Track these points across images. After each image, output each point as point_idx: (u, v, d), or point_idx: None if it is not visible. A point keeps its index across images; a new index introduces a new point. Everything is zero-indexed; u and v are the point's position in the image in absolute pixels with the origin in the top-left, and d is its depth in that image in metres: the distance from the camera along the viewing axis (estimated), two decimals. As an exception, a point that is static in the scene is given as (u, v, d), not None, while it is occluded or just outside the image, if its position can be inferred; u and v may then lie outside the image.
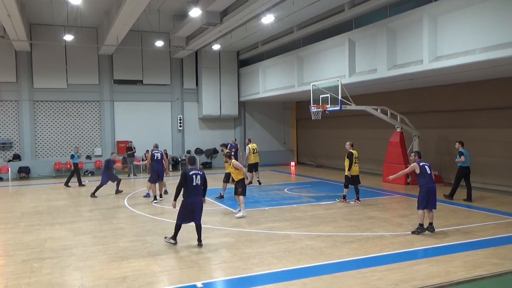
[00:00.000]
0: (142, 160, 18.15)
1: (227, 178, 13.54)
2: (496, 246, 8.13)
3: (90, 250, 8.26)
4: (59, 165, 21.97)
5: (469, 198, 12.86)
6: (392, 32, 14.35)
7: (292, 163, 26.21)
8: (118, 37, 18.97)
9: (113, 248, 8.36)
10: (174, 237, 8.48)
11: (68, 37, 19.59)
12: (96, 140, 23.25)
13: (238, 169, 11.22)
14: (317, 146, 25.84)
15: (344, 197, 13.05)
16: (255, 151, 17.09)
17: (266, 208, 12.32)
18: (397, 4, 14.67)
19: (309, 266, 7.15)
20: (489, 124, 15.43)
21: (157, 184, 13.82)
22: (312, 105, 16.24)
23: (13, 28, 16.66)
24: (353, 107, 15.66)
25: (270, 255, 7.72)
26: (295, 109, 27.95)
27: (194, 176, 8.34)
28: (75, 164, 17.66)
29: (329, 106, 15.55)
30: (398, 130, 16.96)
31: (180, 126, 24.69)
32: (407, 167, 9.83)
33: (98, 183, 14.95)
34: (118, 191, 15.26)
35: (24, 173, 21.38)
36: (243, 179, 11.28)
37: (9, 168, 20.85)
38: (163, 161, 14.01)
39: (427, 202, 9.02)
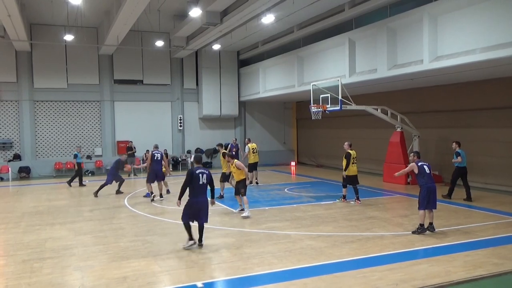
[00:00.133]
0: (143, 160, 18.18)
1: (224, 177, 13.69)
2: (496, 246, 8.13)
3: (90, 250, 8.27)
4: (60, 165, 21.99)
5: (468, 197, 12.87)
6: (392, 32, 14.35)
7: (292, 163, 26.24)
8: (118, 37, 18.98)
9: (114, 248, 8.37)
10: (190, 237, 8.21)
11: (68, 37, 19.61)
12: (97, 140, 23.26)
13: (240, 169, 11.20)
14: (317, 146, 25.84)
15: (344, 197, 13.07)
16: (255, 150, 17.10)
17: (267, 208, 12.32)
18: (397, 4, 14.68)
19: (310, 266, 7.15)
20: (489, 124, 15.43)
21: (157, 184, 13.84)
22: (312, 105, 16.25)
23: (13, 28, 16.67)
24: (353, 107, 15.66)
25: (270, 255, 7.72)
26: (295, 109, 27.96)
27: (200, 175, 8.20)
28: (79, 164, 17.69)
29: (329, 106, 15.55)
30: (398, 130, 16.96)
31: (180, 126, 24.70)
32: (407, 167, 9.85)
33: (98, 183, 14.95)
34: (118, 192, 15.27)
35: (25, 173, 21.39)
36: (244, 180, 11.26)
37: (10, 168, 20.86)
38: (163, 161, 14.10)
39: (427, 202, 9.01)
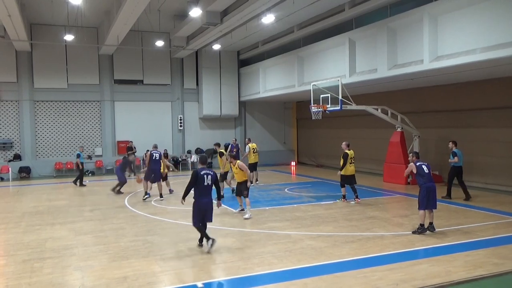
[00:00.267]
0: (143, 160, 18.18)
1: (223, 177, 13.74)
2: (497, 246, 8.13)
3: (91, 250, 8.28)
4: (60, 165, 21.99)
5: (467, 196, 12.88)
6: (393, 32, 14.35)
7: (293, 163, 26.25)
8: (119, 37, 18.98)
9: (114, 248, 8.37)
10: (207, 237, 8.02)
11: (69, 37, 19.62)
12: (97, 140, 23.26)
13: (243, 170, 11.14)
14: (318, 146, 25.84)
15: (344, 196, 13.09)
16: (255, 150, 17.11)
17: (267, 208, 12.32)
18: (398, 4, 14.68)
19: (310, 266, 7.15)
20: (489, 124, 15.43)
21: (157, 184, 13.89)
22: (312, 105, 16.26)
23: (13, 28, 16.67)
24: (353, 107, 15.67)
25: (270, 255, 7.72)
26: (295, 109, 27.95)
27: (205, 176, 8.07)
28: (82, 163, 17.70)
29: (329, 106, 15.56)
30: (399, 130, 16.96)
31: (181, 126, 24.70)
32: (407, 167, 9.86)
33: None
34: (119, 192, 15.26)
35: (25, 173, 21.39)
36: (246, 181, 11.21)
37: (10, 168, 20.86)
38: (161, 161, 14.16)
39: (427, 202, 9.02)
